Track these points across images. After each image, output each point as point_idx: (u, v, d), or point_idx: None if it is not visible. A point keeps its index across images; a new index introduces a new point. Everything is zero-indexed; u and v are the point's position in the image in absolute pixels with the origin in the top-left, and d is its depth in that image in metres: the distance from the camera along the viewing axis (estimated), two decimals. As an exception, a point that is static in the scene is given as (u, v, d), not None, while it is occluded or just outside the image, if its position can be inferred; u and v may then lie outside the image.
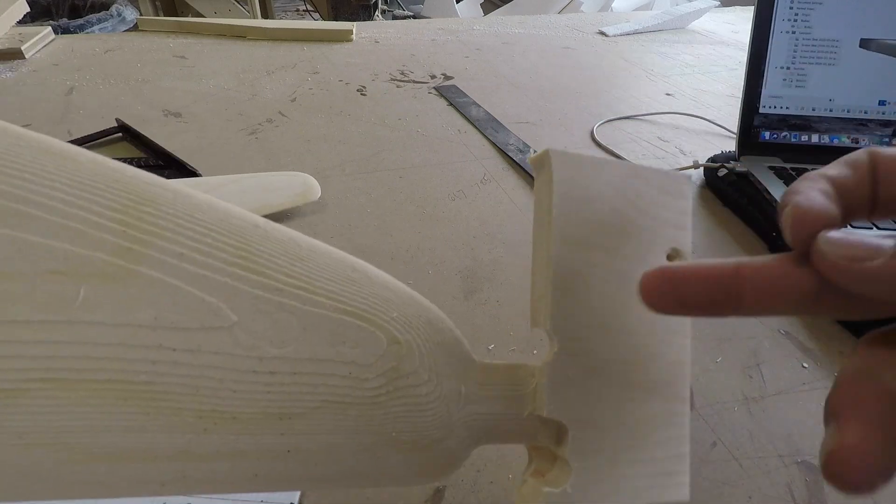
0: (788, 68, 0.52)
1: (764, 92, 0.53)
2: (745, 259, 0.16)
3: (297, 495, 0.27)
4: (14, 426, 0.14)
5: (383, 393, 0.17)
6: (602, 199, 0.20)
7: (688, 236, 0.22)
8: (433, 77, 0.83)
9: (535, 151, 0.21)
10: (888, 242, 0.14)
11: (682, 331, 0.22)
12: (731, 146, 0.59)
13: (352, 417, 0.17)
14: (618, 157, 0.61)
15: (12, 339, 0.14)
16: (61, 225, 0.14)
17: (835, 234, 0.14)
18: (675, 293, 0.16)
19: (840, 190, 0.17)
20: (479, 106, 0.73)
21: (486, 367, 0.20)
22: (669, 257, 0.22)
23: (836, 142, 0.53)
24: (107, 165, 0.15)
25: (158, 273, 0.15)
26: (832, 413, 0.14)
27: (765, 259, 0.15)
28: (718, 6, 1.23)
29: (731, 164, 0.53)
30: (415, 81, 0.81)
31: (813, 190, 0.16)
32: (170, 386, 0.15)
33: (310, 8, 2.47)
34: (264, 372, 0.16)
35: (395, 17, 2.41)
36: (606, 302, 0.20)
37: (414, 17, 2.36)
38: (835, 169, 0.17)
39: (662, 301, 0.16)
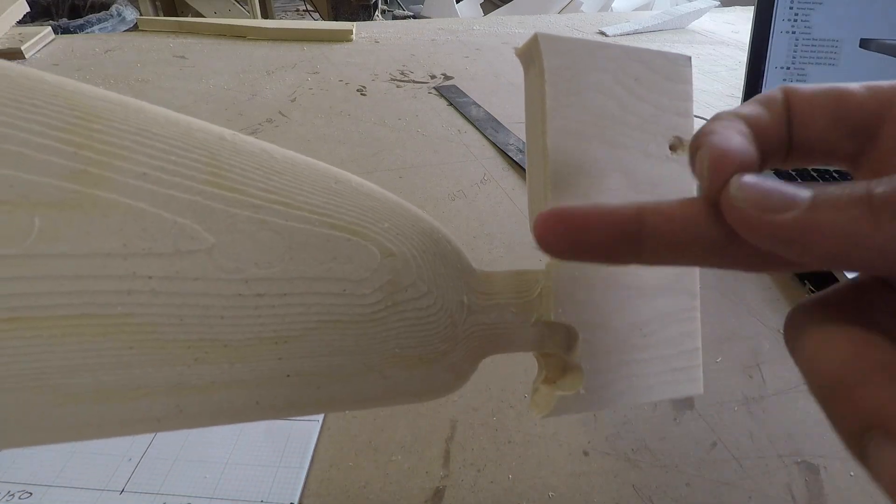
0: (788, 68, 0.52)
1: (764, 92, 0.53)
2: (648, 203, 0.14)
3: (297, 495, 0.27)
4: None
5: (382, 308, 0.16)
6: (598, 87, 0.19)
7: (690, 123, 0.21)
8: (433, 77, 0.83)
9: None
10: (804, 194, 0.12)
11: None
12: (731, 146, 0.59)
13: (351, 336, 0.16)
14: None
15: None
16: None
17: (750, 178, 0.13)
18: (571, 237, 0.14)
19: (756, 131, 0.15)
20: (479, 106, 0.73)
21: (488, 276, 0.19)
22: (672, 147, 0.21)
23: (836, 142, 0.53)
24: (43, 80, 0.14)
25: (121, 196, 0.13)
26: (888, 431, 0.11)
27: (669, 204, 0.14)
28: (718, 6, 1.23)
29: (731, 164, 0.53)
30: (415, 81, 0.81)
31: (729, 129, 0.14)
32: (151, 317, 0.14)
33: (310, 8, 2.47)
34: (251, 295, 0.15)
35: (395, 17, 2.41)
36: (609, 197, 0.19)
37: (414, 17, 2.36)
38: (749, 107, 0.16)
39: (558, 244, 0.14)
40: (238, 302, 0.15)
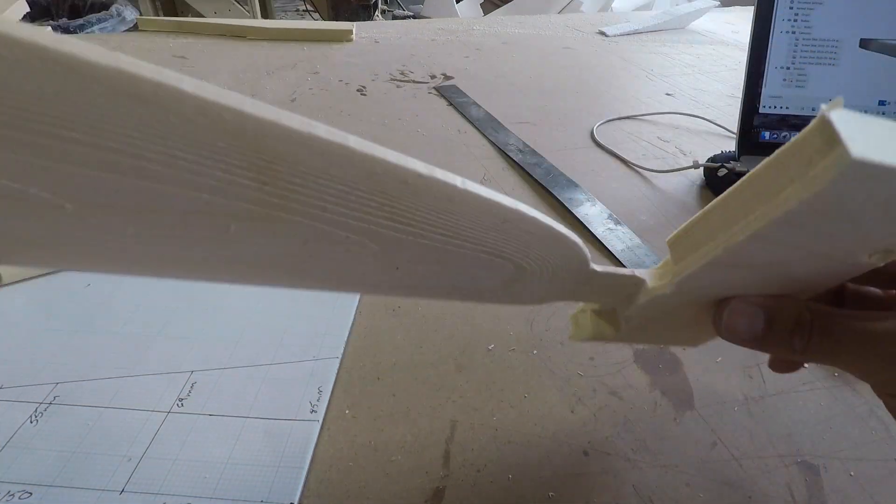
0: (788, 68, 0.52)
1: (764, 92, 0.53)
2: None
3: (297, 495, 0.27)
4: None
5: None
6: (849, 215, 0.16)
7: None
8: (433, 77, 0.83)
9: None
10: None
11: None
12: (731, 146, 0.59)
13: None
14: (617, 157, 0.61)
15: None
16: None
17: None
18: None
19: None
20: (479, 106, 0.73)
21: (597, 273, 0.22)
22: (874, 255, 0.19)
23: (836, 142, 0.53)
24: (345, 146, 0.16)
25: (303, 219, 0.15)
26: None
27: None
28: (718, 6, 1.23)
29: (731, 164, 0.53)
30: (415, 81, 0.81)
31: None
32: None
33: (310, 8, 2.47)
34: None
35: (395, 17, 2.41)
36: (740, 284, 0.21)
37: (414, 17, 2.36)
38: None
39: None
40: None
